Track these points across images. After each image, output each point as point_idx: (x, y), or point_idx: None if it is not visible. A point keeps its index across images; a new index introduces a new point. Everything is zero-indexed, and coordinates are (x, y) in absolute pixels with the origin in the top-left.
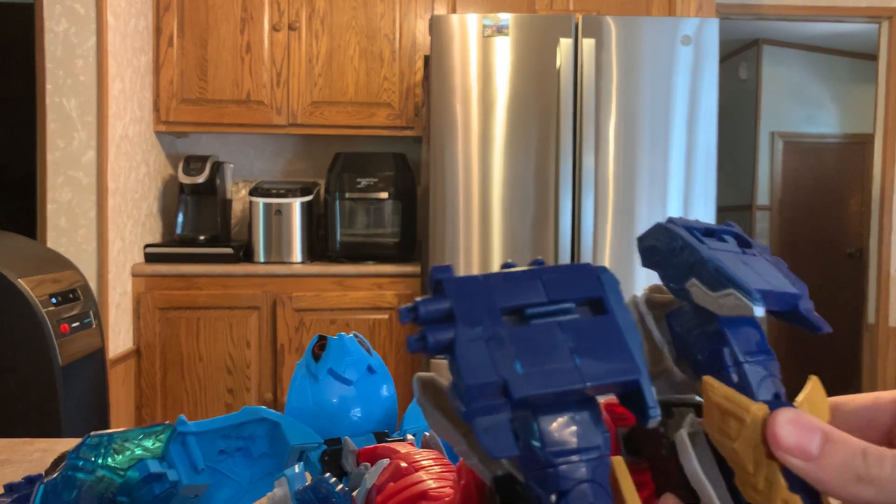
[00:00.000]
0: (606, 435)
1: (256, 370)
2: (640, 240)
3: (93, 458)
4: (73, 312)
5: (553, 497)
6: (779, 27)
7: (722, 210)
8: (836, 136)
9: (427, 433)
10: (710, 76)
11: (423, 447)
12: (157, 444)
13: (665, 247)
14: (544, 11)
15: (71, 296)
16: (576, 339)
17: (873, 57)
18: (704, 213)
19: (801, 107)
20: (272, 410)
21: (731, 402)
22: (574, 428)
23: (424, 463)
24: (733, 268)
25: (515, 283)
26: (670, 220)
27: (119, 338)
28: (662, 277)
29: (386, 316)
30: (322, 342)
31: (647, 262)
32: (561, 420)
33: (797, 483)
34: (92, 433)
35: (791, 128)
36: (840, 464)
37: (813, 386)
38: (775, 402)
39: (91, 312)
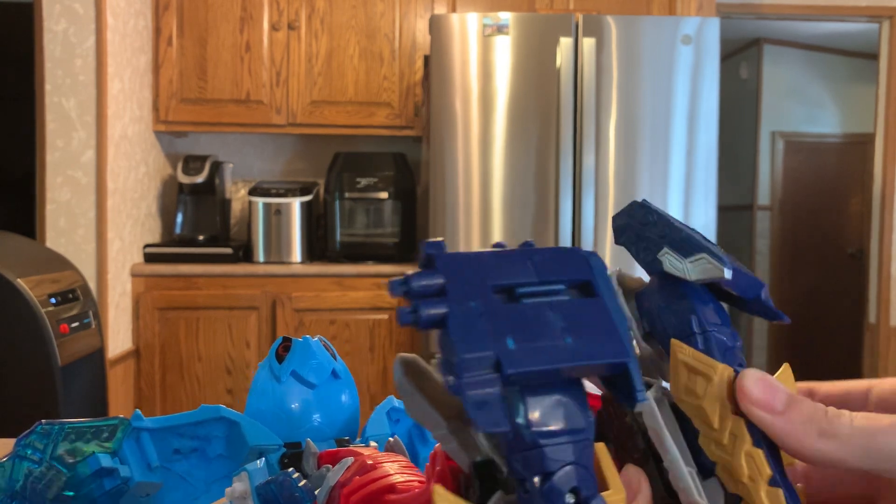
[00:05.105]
0: (591, 419)
1: (256, 371)
2: (615, 218)
3: (42, 448)
4: (73, 312)
5: (536, 479)
6: (779, 27)
7: (722, 210)
8: (837, 136)
9: (391, 438)
10: (711, 76)
11: (386, 452)
12: (111, 439)
13: (639, 222)
14: (544, 11)
15: (70, 296)
16: (566, 319)
17: (874, 57)
18: (705, 212)
19: (802, 106)
20: (231, 410)
21: (699, 361)
22: (561, 409)
23: (388, 463)
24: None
25: (507, 262)
26: (644, 201)
27: (118, 338)
28: (635, 253)
29: (386, 316)
30: (286, 344)
31: (620, 238)
32: (548, 401)
33: (760, 438)
34: (43, 420)
35: (791, 127)
36: (805, 418)
37: (784, 370)
38: (739, 369)
39: (90, 312)
